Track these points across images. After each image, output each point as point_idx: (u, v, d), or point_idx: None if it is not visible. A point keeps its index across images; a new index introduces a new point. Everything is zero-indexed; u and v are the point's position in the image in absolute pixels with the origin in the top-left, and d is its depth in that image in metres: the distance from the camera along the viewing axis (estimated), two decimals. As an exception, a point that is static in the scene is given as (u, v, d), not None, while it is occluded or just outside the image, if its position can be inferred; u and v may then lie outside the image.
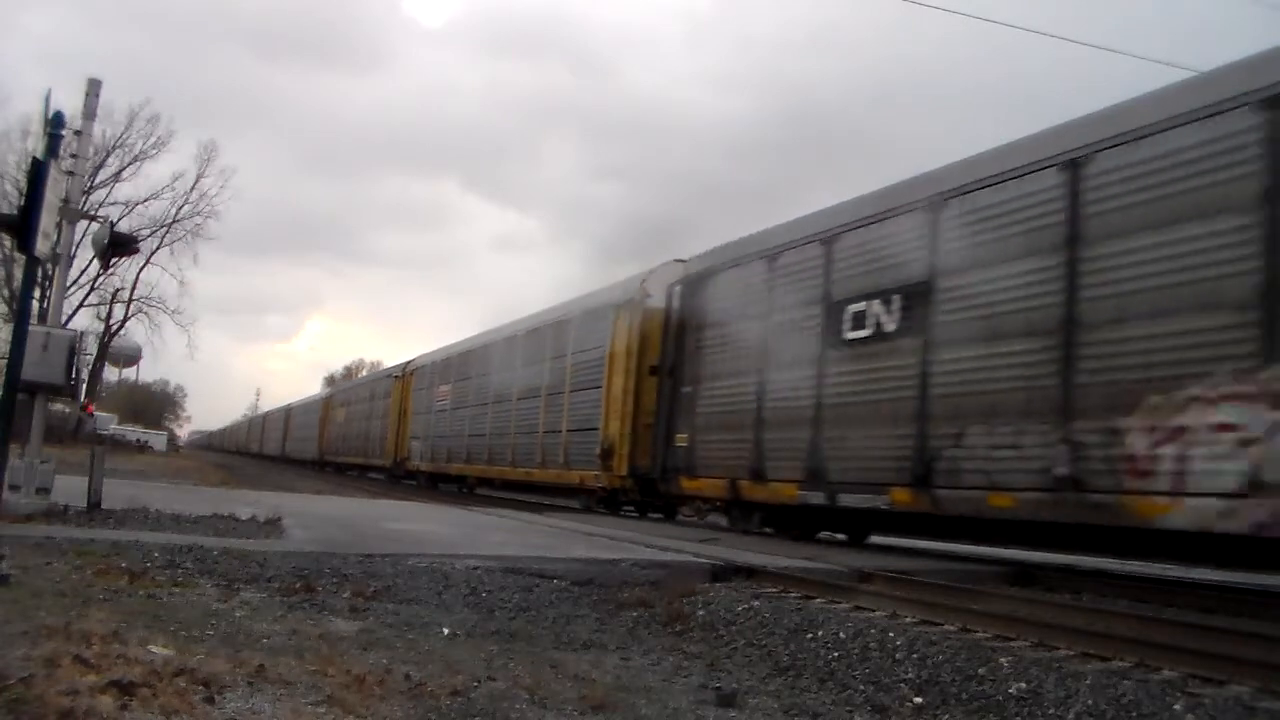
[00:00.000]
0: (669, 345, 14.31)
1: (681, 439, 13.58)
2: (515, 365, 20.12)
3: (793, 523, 11.99)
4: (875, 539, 12.55)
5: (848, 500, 10.46)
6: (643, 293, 15.56)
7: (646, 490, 14.99)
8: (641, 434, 15.07)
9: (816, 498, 10.84)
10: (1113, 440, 7.70)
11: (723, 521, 13.34)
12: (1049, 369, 8.27)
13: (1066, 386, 8.11)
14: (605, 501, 16.30)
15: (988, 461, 8.77)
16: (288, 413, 53.82)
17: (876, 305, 10.37)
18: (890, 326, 10.16)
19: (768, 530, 12.25)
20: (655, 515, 15.60)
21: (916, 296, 9.80)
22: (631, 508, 16.04)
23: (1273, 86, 6.99)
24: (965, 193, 9.43)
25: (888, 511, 10.07)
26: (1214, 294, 7.15)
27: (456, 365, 24.34)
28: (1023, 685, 4.25)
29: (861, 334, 10.53)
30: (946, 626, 5.69)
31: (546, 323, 19.00)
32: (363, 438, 32.64)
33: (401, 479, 28.42)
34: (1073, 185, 8.25)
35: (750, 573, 7.50)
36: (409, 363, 29.32)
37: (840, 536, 12.36)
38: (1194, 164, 7.44)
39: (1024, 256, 8.66)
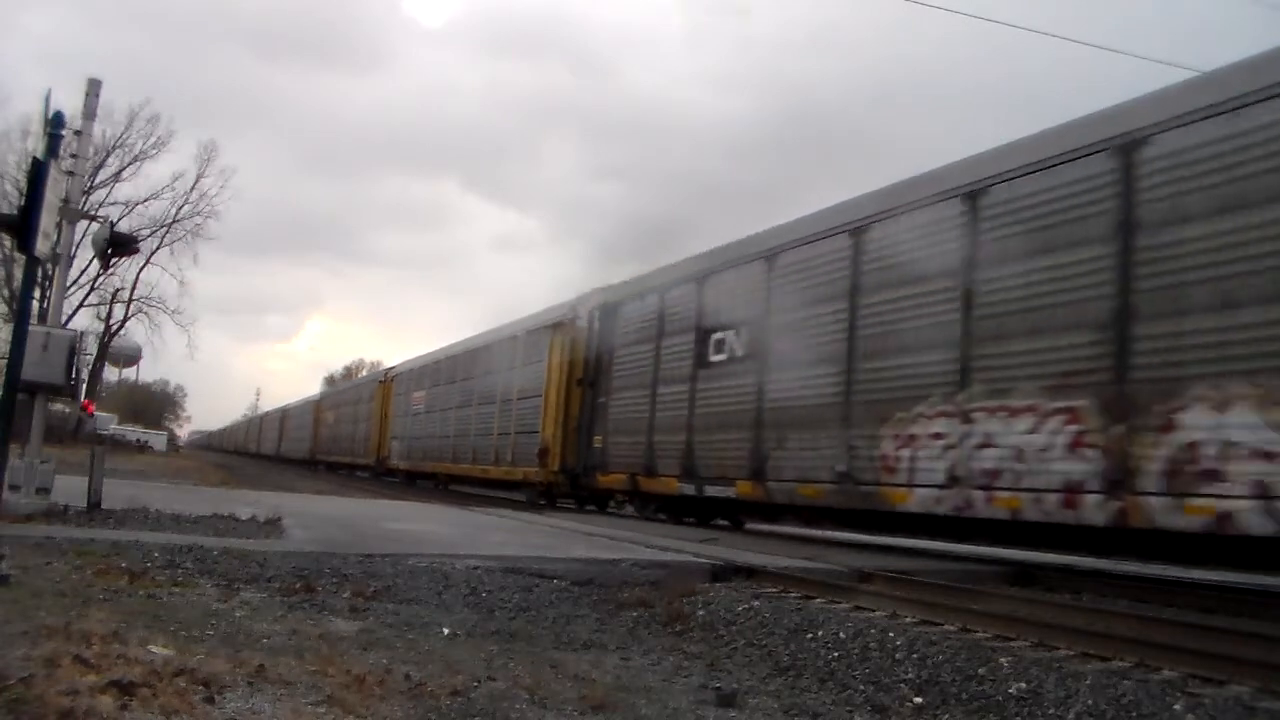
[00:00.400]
0: (590, 361, 16.94)
1: (598, 441, 16.22)
2: (476, 374, 22.71)
3: (681, 510, 14.52)
4: (815, 532, 13.41)
5: (711, 491, 13.07)
6: (573, 316, 17.97)
7: (575, 485, 17.47)
8: (570, 437, 17.51)
9: (690, 489, 13.44)
10: (873, 445, 10.23)
11: (651, 512, 15.49)
12: (837, 390, 10.85)
13: (847, 404, 10.67)
14: (544, 494, 18.45)
15: (800, 460, 11.31)
16: (283, 414, 56.16)
17: (730, 335, 13.03)
18: (739, 352, 12.79)
19: (661, 516, 14.84)
20: (590, 508, 17.60)
21: (756, 329, 12.49)
22: (570, 501, 18.13)
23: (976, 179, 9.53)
24: (788, 249, 12.24)
25: (736, 499, 12.55)
26: (932, 338, 9.65)
27: (430, 373, 26.81)
28: (1023, 685, 4.25)
29: (720, 358, 13.20)
30: (946, 626, 5.69)
31: (500, 338, 21.50)
32: (350, 438, 35.27)
33: (383, 476, 30.54)
34: (968, 217, 9.68)
35: (750, 573, 7.50)
36: (390, 369, 32.01)
37: (723, 522, 14.53)
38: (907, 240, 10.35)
39: (824, 301, 11.33)
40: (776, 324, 12.10)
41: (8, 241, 27.84)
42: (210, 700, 2.97)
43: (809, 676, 4.64)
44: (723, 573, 7.42)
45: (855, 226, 10.97)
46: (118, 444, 38.59)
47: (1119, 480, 7.74)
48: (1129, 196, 8.05)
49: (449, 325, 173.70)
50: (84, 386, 30.47)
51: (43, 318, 14.51)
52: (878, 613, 6.08)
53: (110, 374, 51.05)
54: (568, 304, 18.62)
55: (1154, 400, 7.61)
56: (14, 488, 7.19)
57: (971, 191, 9.52)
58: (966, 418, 9.12)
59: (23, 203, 6.58)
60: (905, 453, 9.84)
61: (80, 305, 41.56)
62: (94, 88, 8.51)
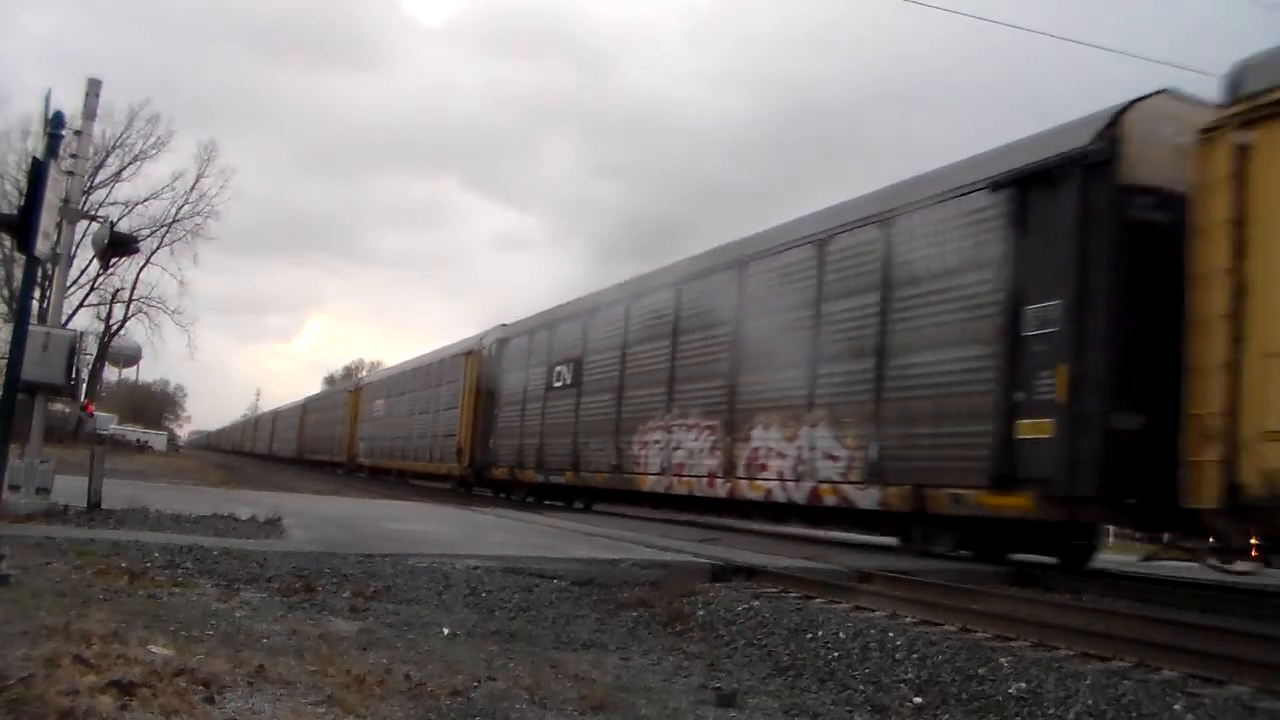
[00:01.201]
0: (489, 381, 22.40)
1: (492, 442, 21.82)
2: (418, 389, 28.33)
3: (547, 496, 20.19)
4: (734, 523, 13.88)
5: (552, 479, 18.74)
6: (480, 346, 23.68)
7: (479, 478, 22.82)
8: (478, 439, 22.70)
9: (541, 478, 19.23)
10: (629, 447, 15.81)
11: (522, 496, 21.30)
12: (613, 410, 16.50)
13: (618, 420, 16.27)
14: (461, 484, 24.11)
15: (595, 457, 16.92)
16: (274, 416, 61.82)
17: (564, 369, 18.62)
18: (569, 382, 18.34)
19: (530, 500, 20.56)
20: (502, 496, 22.33)
21: (578, 365, 18.08)
22: (487, 489, 23.15)
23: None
24: (596, 312, 17.86)
25: (564, 485, 18.37)
26: (655, 378, 15.28)
27: (387, 386, 32.77)
28: (1023, 685, 4.25)
29: (559, 385, 18.72)
30: (946, 626, 5.69)
31: (434, 360, 27.58)
32: (329, 439, 40.39)
33: (352, 472, 35.45)
34: (676, 300, 15.23)
35: (750, 573, 7.50)
36: (360, 380, 38.48)
37: (580, 505, 19.21)
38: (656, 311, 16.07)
39: (610, 349, 16.97)
40: (585, 363, 17.86)
41: (8, 241, 27.83)
42: (210, 700, 2.97)
43: (809, 676, 4.64)
44: (723, 573, 7.42)
45: (624, 301, 16.82)
46: (118, 444, 38.55)
47: (729, 470, 13.06)
48: (742, 288, 13.35)
49: (449, 325, 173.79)
50: (84, 386, 30.45)
51: (43, 318, 14.52)
52: (878, 613, 6.07)
53: (110, 374, 51.06)
54: (477, 337, 24.27)
55: (742, 423, 12.85)
56: (14, 488, 7.18)
57: (678, 282, 15.27)
58: (669, 430, 14.67)
59: (23, 203, 6.58)
60: (643, 452, 15.38)
61: (80, 305, 41.58)
62: (94, 88, 8.51)
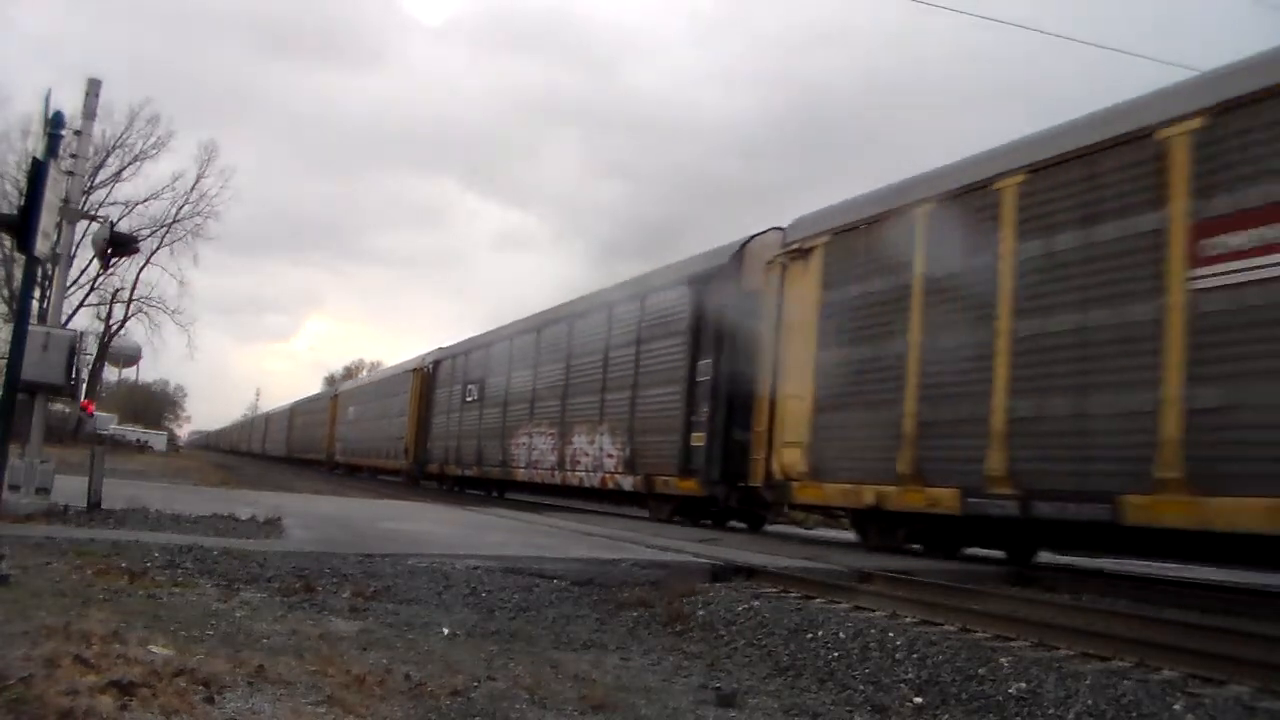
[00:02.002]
0: (427, 394, 28.00)
1: (429, 444, 27.41)
2: (379, 398, 34.04)
3: (467, 487, 25.63)
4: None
5: (466, 473, 24.39)
6: (422, 364, 29.35)
7: (423, 473, 28.17)
8: (420, 441, 28.26)
9: (460, 472, 24.86)
10: (510, 448, 20.93)
11: (450, 485, 26.52)
12: (500, 419, 21.87)
13: (504, 426, 21.58)
14: (408, 478, 28.94)
15: (492, 456, 22.04)
16: (267, 419, 66.88)
17: (474, 387, 23.99)
18: (476, 396, 23.79)
19: (457, 489, 25.84)
20: (442, 487, 26.58)
21: (481, 384, 23.52)
22: (432, 482, 27.83)
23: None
24: (489, 346, 23.80)
25: (473, 477, 24.16)
26: (524, 395, 20.63)
27: (359, 394, 38.54)
28: (1023, 685, 4.25)
29: (469, 399, 24.27)
30: (946, 626, 5.69)
31: (389, 375, 34.10)
32: (313, 439, 45.10)
33: (333, 470, 39.21)
34: (537, 340, 20.68)
35: (750, 573, 7.50)
36: (336, 388, 44.02)
37: (519, 496, 22.90)
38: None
39: (495, 375, 22.50)
40: (485, 383, 23.24)
41: (8, 241, 27.82)
42: (210, 700, 2.97)
43: (809, 676, 4.64)
44: (723, 573, 7.42)
45: (508, 338, 22.50)
46: (118, 444, 38.57)
47: (561, 464, 18.29)
48: (609, 328, 17.41)
49: (449, 325, 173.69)
50: (84, 386, 30.46)
51: (43, 318, 14.52)
52: (878, 613, 6.07)
53: (110, 374, 51.01)
54: (420, 357, 30.14)
55: (569, 430, 18.11)
56: (14, 488, 7.18)
57: (538, 327, 20.72)
58: (530, 435, 19.98)
59: (23, 203, 6.58)
60: (517, 452, 20.58)
61: (80, 305, 41.64)
62: (94, 88, 8.51)
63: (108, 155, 41.03)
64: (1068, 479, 8.21)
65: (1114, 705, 3.96)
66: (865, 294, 10.99)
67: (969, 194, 9.78)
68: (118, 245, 9.44)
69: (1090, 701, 4.01)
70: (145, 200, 43.37)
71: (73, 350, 8.07)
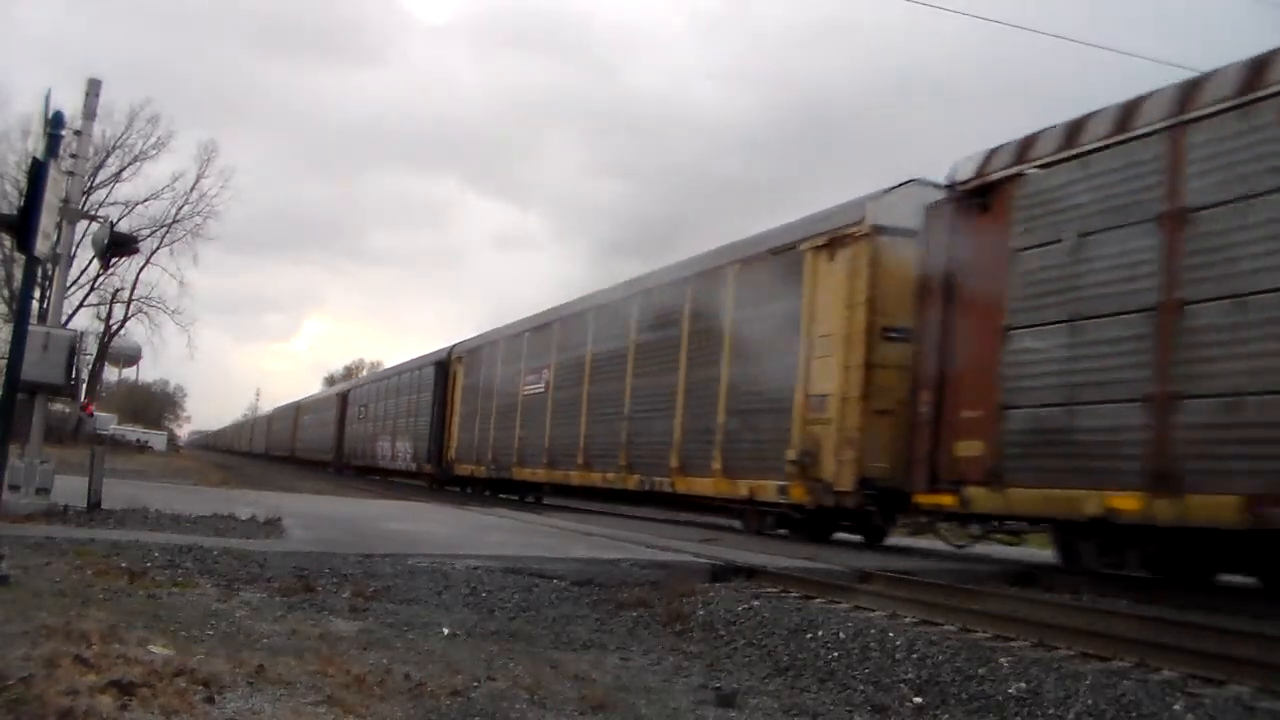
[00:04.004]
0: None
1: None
2: (396, 394, 33.39)
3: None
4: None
5: (358, 462, 34.84)
6: (344, 389, 40.62)
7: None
8: (345, 443, 37.42)
9: (362, 462, 34.01)
10: (393, 447, 30.31)
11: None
12: (413, 424, 28.50)
13: (418, 431, 28.38)
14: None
15: (387, 452, 30.72)
16: (270, 418, 69.61)
17: (371, 405, 33.70)
18: (363, 412, 34.99)
19: (364, 475, 32.68)
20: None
21: (369, 406, 33.97)
22: (350, 471, 35.62)
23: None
24: (381, 379, 35.86)
25: (387, 467, 30.78)
26: (417, 412, 28.06)
27: (368, 391, 39.44)
28: (1023, 685, 4.25)
29: (360, 413, 35.24)
30: (946, 626, 5.69)
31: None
32: (320, 439, 47.46)
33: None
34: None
35: (750, 573, 7.50)
36: (347, 387, 45.22)
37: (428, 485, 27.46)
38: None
39: (410, 395, 29.49)
40: (372, 405, 33.52)
41: (8, 241, 27.83)
42: (210, 700, 2.97)
43: (809, 676, 4.64)
44: (722, 573, 7.42)
45: (395, 374, 31.76)
46: (118, 444, 38.53)
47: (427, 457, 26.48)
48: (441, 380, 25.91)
49: (449, 324, 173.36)
50: (84, 386, 30.43)
51: (43, 318, 14.50)
52: (878, 613, 6.07)
53: (110, 374, 50.94)
54: (343, 385, 39.46)
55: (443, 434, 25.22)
56: (14, 488, 7.18)
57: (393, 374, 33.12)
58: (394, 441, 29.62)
59: (23, 203, 6.58)
60: (385, 450, 30.70)
61: (80, 305, 41.57)
62: (94, 88, 8.51)
63: (108, 155, 40.98)
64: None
65: (1114, 705, 3.96)
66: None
67: (715, 271, 13.63)
68: (118, 245, 9.45)
69: (1090, 701, 4.01)
70: (145, 200, 43.31)
71: (73, 350, 8.07)
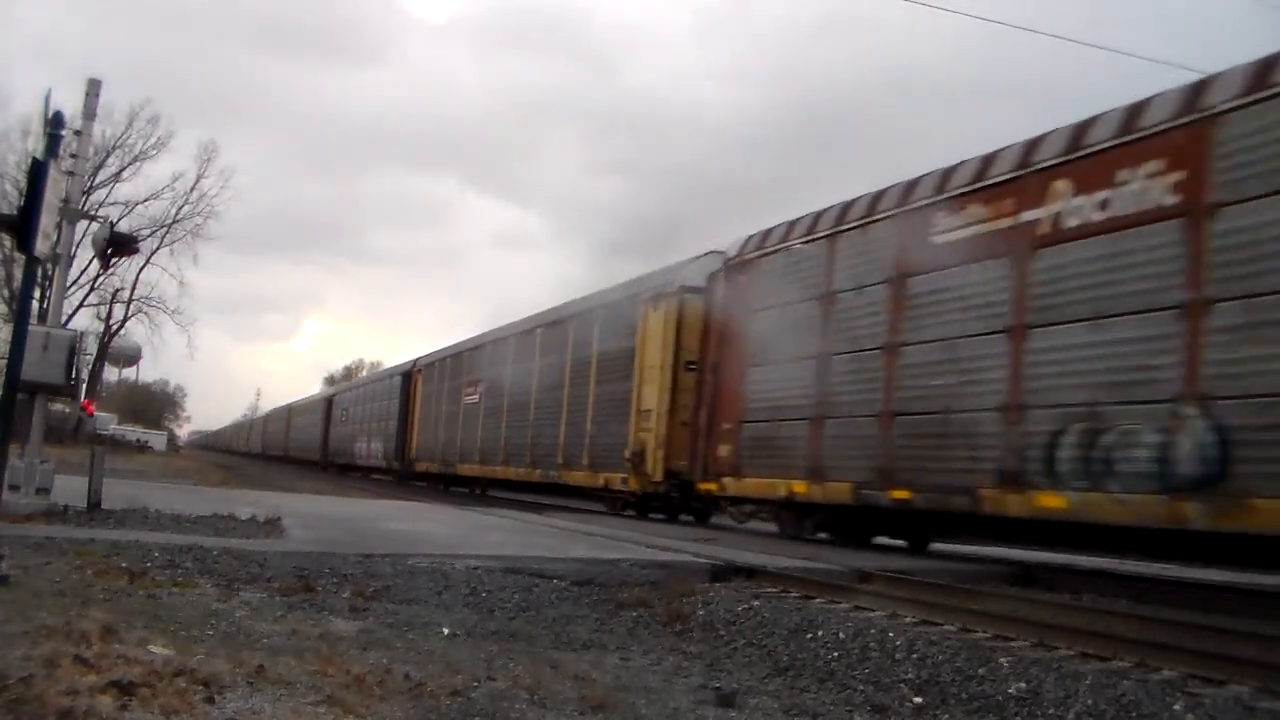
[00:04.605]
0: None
1: (330, 445, 38.95)
2: (370, 400, 36.46)
3: (453, 484, 26.28)
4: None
5: (340, 460, 38.16)
6: (329, 394, 44.35)
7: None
8: (330, 444, 40.32)
9: (343, 460, 37.90)
10: (369, 446, 34.46)
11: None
12: (393, 431, 30.60)
13: (386, 431, 32.53)
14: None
15: (364, 451, 34.54)
16: (266, 419, 72.65)
17: (351, 409, 37.63)
18: (345, 415, 38.58)
19: (442, 486, 26.89)
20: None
21: (349, 410, 37.99)
22: (334, 469, 38.52)
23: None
24: (351, 389, 42.42)
25: (363, 465, 34.88)
26: (387, 416, 31.80)
27: (348, 396, 42.06)
28: (1023, 685, 4.25)
29: (342, 416, 38.85)
30: (946, 626, 5.69)
31: (378, 378, 37.96)
32: (309, 440, 50.37)
33: (326, 468, 42.42)
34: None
35: (750, 573, 7.50)
36: (330, 390, 51.01)
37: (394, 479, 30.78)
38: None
39: (382, 401, 33.52)
40: (345, 411, 38.61)
41: (8, 241, 27.82)
42: (210, 700, 2.97)
43: (809, 676, 4.64)
44: (722, 573, 7.42)
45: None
46: (118, 444, 38.54)
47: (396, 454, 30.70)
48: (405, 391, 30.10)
49: (449, 324, 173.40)
50: (84, 386, 30.46)
51: (43, 318, 14.50)
52: (878, 613, 6.07)
53: (110, 374, 50.92)
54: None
55: (406, 436, 29.24)
56: (14, 488, 7.18)
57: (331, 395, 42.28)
58: (369, 441, 33.72)
59: (23, 203, 6.57)
60: (363, 448, 34.34)
61: (80, 305, 41.52)
62: (94, 88, 8.51)
63: (108, 155, 40.93)
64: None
65: (1114, 705, 3.96)
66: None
67: (588, 313, 17.85)
68: (118, 245, 9.45)
69: (1090, 701, 4.01)
70: (145, 200, 43.23)
71: (73, 350, 8.07)
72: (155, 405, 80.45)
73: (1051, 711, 4.00)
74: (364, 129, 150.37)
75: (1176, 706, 3.91)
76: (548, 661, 4.35)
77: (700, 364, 13.57)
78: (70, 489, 8.10)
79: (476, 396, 23.00)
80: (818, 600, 6.48)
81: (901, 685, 4.45)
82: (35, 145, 30.31)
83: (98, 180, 40.54)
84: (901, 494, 9.60)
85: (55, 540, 6.04)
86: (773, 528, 12.66)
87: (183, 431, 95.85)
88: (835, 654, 4.94)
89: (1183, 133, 7.58)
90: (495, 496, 21.97)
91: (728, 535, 11.70)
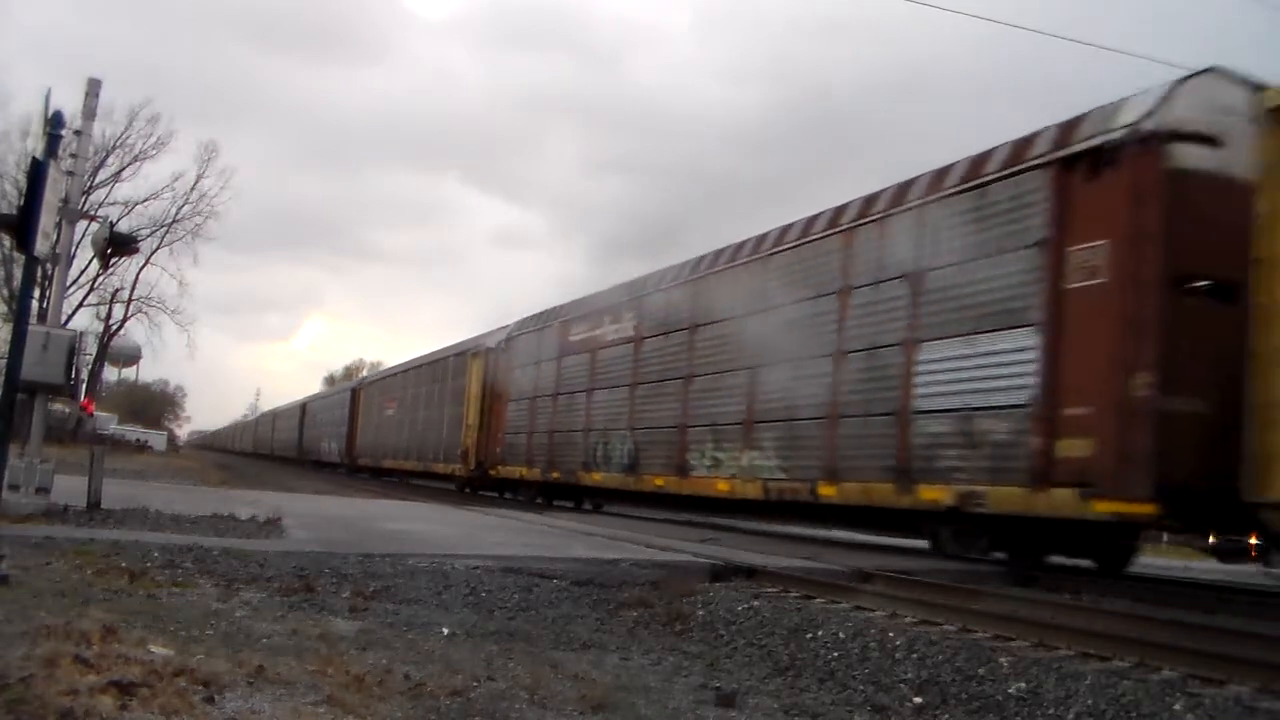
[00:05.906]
0: (305, 419, 45.84)
1: (304, 445, 47.27)
2: (294, 417, 46.79)
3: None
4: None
5: (311, 458, 45.56)
6: (304, 402, 51.84)
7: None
8: (304, 444, 47.69)
9: (313, 457, 45.05)
10: (330, 446, 43.02)
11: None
12: (339, 431, 40.67)
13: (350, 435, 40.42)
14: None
15: (327, 450, 42.58)
16: (275, 416, 73.27)
17: (319, 416, 45.62)
18: (314, 420, 47.11)
19: (317, 467, 41.44)
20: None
21: (317, 416, 46.30)
22: (308, 465, 43.43)
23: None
24: (322, 398, 50.23)
25: (325, 460, 42.99)
26: (341, 422, 40.92)
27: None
28: (1023, 685, 4.25)
29: (312, 421, 46.97)
30: (946, 626, 5.68)
31: (295, 405, 46.63)
32: (268, 440, 60.40)
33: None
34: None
35: (750, 573, 7.50)
36: (276, 409, 60.09)
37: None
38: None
39: (337, 410, 42.16)
40: (318, 413, 46.18)
41: (7, 241, 27.81)
42: (210, 700, 2.97)
43: (809, 676, 4.64)
44: (722, 573, 7.41)
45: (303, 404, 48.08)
46: (118, 444, 38.58)
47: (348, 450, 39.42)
48: (354, 403, 39.08)
49: (448, 323, 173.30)
50: (84, 386, 30.44)
51: (42, 318, 14.50)
52: (878, 613, 6.07)
53: (110, 374, 50.94)
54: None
55: (353, 438, 38.36)
56: (14, 488, 7.19)
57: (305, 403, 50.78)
58: (330, 442, 42.54)
59: (23, 203, 6.58)
60: (326, 446, 42.30)
61: (80, 305, 41.40)
62: (94, 87, 8.51)
63: (108, 155, 40.79)
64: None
65: (1114, 705, 3.96)
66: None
67: (456, 358, 25.36)
68: (118, 245, 9.46)
69: (1090, 701, 4.01)
70: (145, 200, 43.05)
71: (73, 350, 8.07)
72: (155, 405, 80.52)
73: (1051, 711, 4.00)
74: (364, 127, 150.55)
75: (1176, 706, 3.91)
76: (548, 661, 4.35)
77: (490, 396, 22.47)
78: (70, 489, 8.10)
79: (392, 410, 32.39)
80: (818, 600, 6.47)
81: (901, 685, 4.45)
82: (35, 145, 30.31)
83: (98, 180, 40.44)
84: (556, 474, 18.51)
85: (55, 540, 6.04)
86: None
87: (182, 431, 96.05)
88: (835, 654, 4.94)
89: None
90: (409, 483, 29.64)
91: (728, 535, 11.70)
